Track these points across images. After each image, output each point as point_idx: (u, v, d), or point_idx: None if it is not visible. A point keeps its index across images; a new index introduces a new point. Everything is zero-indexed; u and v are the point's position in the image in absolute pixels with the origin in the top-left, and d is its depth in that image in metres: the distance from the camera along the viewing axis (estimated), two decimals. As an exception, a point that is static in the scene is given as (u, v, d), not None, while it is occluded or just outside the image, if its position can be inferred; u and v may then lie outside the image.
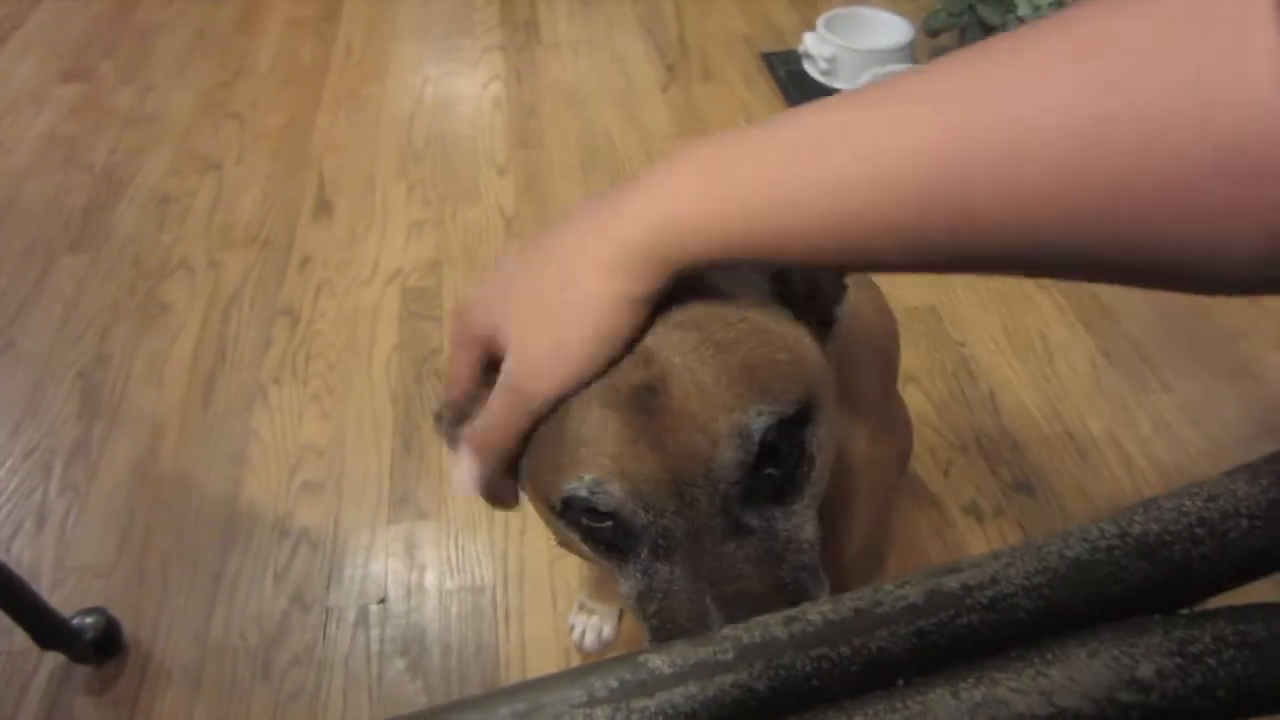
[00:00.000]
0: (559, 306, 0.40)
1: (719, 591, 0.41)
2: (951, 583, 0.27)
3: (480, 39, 2.19)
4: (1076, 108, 0.27)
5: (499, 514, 1.20)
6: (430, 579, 1.14)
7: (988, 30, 1.79)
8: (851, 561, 0.63)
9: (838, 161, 0.32)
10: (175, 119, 1.94)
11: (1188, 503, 0.29)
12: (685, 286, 0.42)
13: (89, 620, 1.05)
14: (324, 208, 1.70)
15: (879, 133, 0.32)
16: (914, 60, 1.87)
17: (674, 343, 0.42)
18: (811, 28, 1.92)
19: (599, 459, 0.42)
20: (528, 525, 1.19)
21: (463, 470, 0.45)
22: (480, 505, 1.21)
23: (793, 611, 0.27)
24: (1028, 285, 1.46)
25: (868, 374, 0.66)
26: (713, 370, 0.41)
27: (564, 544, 0.51)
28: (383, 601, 1.12)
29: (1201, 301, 1.29)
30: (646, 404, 0.41)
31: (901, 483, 1.15)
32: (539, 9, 2.29)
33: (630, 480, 0.41)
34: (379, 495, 1.23)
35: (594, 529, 0.44)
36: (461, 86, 2.03)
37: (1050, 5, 1.68)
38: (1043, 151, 0.28)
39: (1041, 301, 1.43)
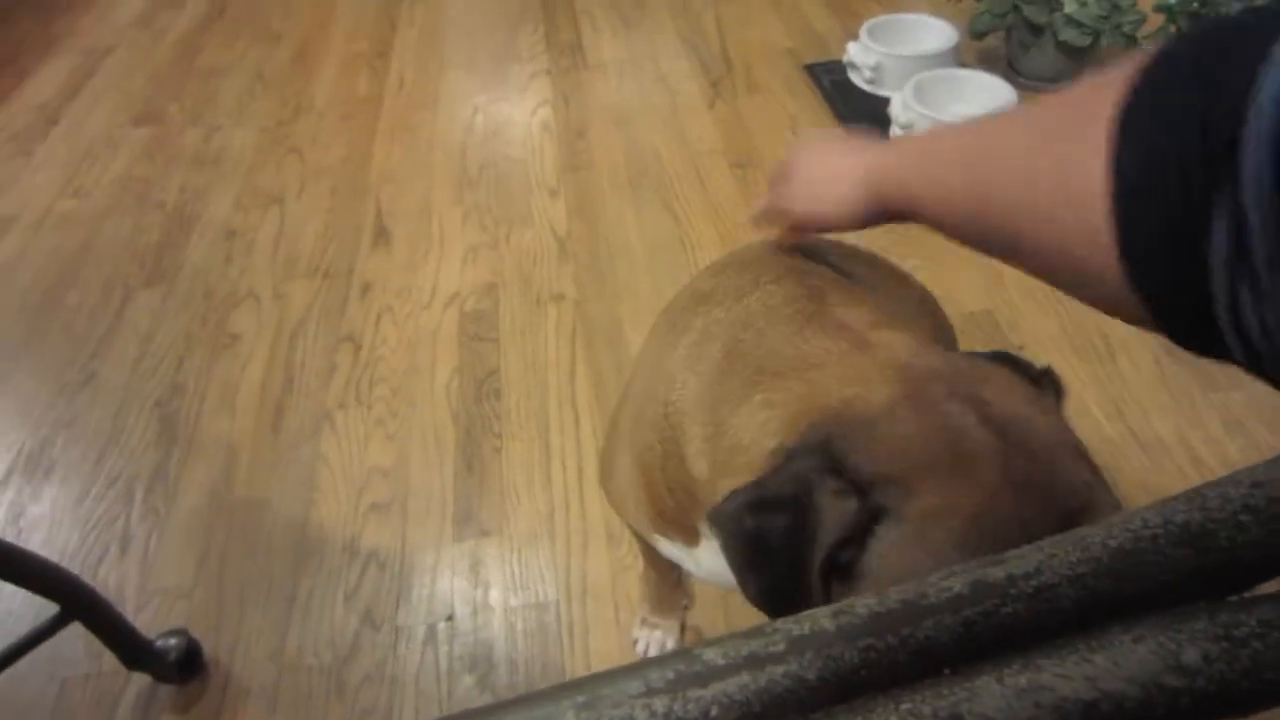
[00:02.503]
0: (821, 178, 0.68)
1: None
2: (996, 573, 0.28)
3: (527, 65, 2.24)
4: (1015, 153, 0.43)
5: (560, 529, 1.22)
6: (495, 596, 1.17)
7: (1035, 30, 1.77)
8: None
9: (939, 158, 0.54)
10: (239, 157, 2.02)
11: (1232, 490, 0.30)
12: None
13: (172, 641, 1.09)
14: (382, 236, 1.75)
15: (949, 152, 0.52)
16: (960, 64, 1.85)
17: (1083, 471, 0.53)
18: (853, 36, 1.92)
19: None
20: (589, 539, 1.21)
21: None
22: (540, 521, 1.23)
23: (840, 605, 0.28)
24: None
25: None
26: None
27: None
28: (450, 619, 1.15)
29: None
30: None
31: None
32: (583, 31, 2.33)
33: None
34: (443, 514, 1.26)
35: None
36: (511, 112, 2.08)
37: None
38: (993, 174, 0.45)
39: (1100, 301, 1.40)
